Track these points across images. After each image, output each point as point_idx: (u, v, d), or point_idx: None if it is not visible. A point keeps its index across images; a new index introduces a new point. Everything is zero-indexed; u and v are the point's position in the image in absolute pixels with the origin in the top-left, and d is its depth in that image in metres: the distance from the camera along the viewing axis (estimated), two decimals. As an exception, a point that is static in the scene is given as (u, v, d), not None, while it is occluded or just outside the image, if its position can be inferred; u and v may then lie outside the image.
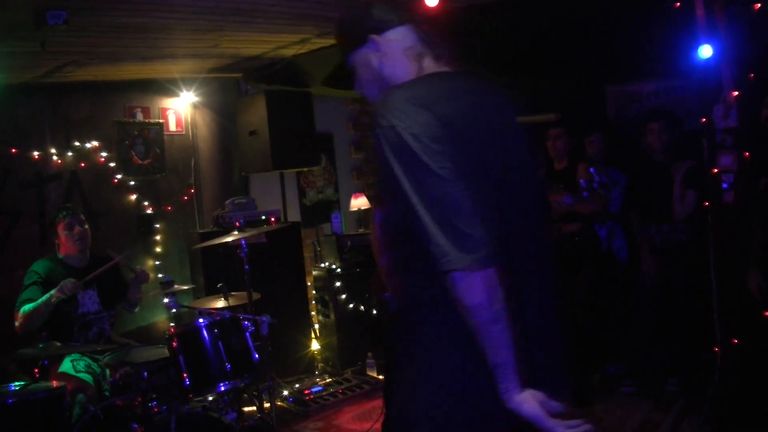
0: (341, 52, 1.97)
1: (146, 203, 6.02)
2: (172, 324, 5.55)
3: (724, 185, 3.99)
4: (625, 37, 4.89)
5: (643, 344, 5.14)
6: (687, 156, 4.82)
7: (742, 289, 3.84)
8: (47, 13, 3.64)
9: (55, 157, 5.52)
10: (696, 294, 4.73)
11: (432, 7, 4.05)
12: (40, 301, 4.10)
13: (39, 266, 4.34)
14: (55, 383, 3.67)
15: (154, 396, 3.65)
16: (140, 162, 6.01)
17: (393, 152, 1.61)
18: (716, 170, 4.00)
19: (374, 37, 1.87)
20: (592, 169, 3.70)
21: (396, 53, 1.86)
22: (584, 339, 4.96)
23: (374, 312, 6.17)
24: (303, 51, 5.53)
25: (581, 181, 3.67)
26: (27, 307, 4.11)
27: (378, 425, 4.88)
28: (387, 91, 1.74)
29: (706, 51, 3.95)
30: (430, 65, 1.87)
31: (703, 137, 4.23)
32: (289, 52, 5.58)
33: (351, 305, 6.18)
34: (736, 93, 3.93)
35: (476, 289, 1.53)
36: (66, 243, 4.42)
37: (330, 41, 5.29)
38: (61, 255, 4.45)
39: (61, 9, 3.64)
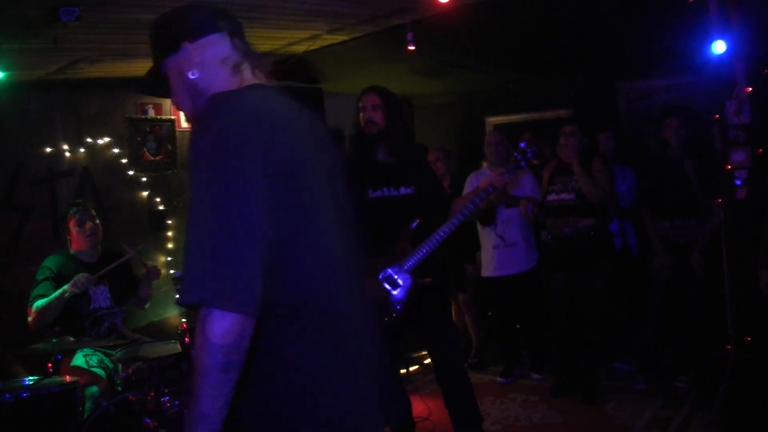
0: (153, 57, 1.82)
1: (158, 199, 6.05)
2: (183, 320, 5.59)
3: (737, 182, 3.96)
4: (637, 32, 4.88)
5: (653, 341, 5.13)
6: (699, 152, 4.80)
7: (755, 286, 3.82)
8: (60, 9, 3.65)
9: (67, 153, 5.55)
10: (708, 291, 4.71)
11: (443, 3, 4.06)
12: (53, 296, 4.12)
13: (51, 262, 4.36)
14: (67, 378, 3.70)
15: (166, 391, 3.66)
16: (152, 158, 6.04)
17: (207, 155, 1.47)
18: (729, 167, 3.98)
19: (187, 44, 1.72)
20: (522, 144, 3.83)
21: (212, 63, 1.73)
22: (597, 336, 4.95)
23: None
24: (314, 47, 5.54)
25: (516, 154, 3.86)
26: (40, 303, 4.13)
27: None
28: (214, 95, 1.62)
29: (719, 46, 3.93)
30: (248, 77, 1.75)
31: (714, 133, 4.21)
32: (300, 48, 5.58)
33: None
34: (749, 89, 3.91)
35: (230, 331, 1.40)
36: (77, 239, 4.44)
37: (340, 37, 5.30)
38: (72, 251, 4.46)
39: (73, 5, 3.66)
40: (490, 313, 6.12)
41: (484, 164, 5.72)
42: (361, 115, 3.97)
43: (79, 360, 4.08)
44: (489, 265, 5.55)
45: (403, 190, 3.92)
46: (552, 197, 5.00)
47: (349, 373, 1.62)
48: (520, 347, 5.83)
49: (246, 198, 1.44)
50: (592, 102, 6.50)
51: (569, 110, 6.27)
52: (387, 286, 3.82)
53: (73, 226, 4.42)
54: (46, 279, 4.26)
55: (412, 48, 4.92)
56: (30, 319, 4.17)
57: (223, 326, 1.40)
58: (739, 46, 3.88)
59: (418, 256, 3.81)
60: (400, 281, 3.79)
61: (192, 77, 1.72)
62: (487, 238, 5.56)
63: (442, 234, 3.81)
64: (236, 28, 1.78)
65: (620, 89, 6.55)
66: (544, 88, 6.74)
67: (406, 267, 3.82)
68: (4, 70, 4.80)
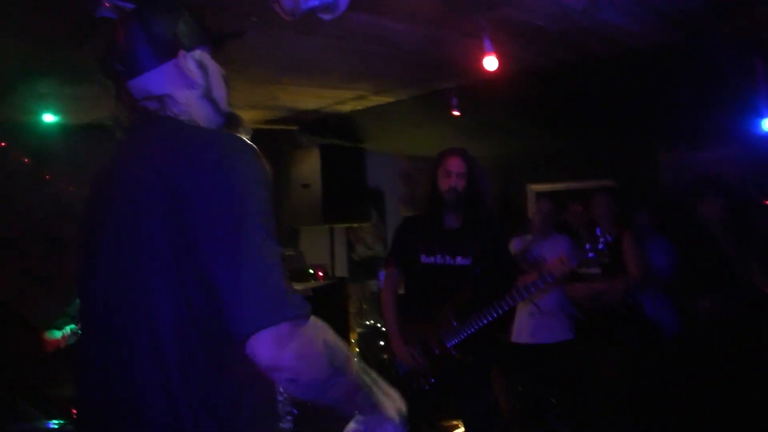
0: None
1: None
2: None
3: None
4: (684, 103, 4.84)
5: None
6: (744, 228, 4.69)
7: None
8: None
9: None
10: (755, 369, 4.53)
11: (491, 71, 4.06)
12: (66, 329, 4.09)
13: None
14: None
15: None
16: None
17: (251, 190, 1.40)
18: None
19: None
20: (598, 230, 3.64)
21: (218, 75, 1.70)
22: (616, 413, 4.76)
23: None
24: (359, 108, 5.60)
25: (587, 245, 3.65)
26: (55, 333, 4.10)
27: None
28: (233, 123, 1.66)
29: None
30: None
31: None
32: (346, 107, 5.65)
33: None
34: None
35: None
36: None
37: (386, 99, 5.35)
38: None
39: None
40: (520, 389, 5.91)
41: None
42: (444, 180, 3.76)
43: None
44: (522, 330, 5.41)
45: (459, 260, 3.72)
46: (581, 269, 4.94)
47: None
48: (553, 422, 5.63)
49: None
50: (634, 172, 6.43)
51: (612, 180, 6.20)
52: (421, 355, 3.74)
53: None
54: (66, 315, 4.20)
55: (456, 113, 4.95)
56: (46, 346, 4.11)
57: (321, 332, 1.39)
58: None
59: (464, 335, 3.68)
60: (436, 352, 3.70)
61: (210, 84, 1.69)
62: (522, 304, 5.46)
63: (494, 315, 3.67)
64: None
65: (664, 160, 6.47)
66: (588, 157, 6.69)
67: (449, 344, 3.70)
68: (56, 113, 4.96)
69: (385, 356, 3.86)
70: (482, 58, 3.61)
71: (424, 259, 3.77)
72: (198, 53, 1.61)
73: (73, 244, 5.23)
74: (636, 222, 5.41)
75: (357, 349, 6.47)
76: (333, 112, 5.80)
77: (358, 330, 6.46)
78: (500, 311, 3.66)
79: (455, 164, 3.75)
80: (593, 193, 5.09)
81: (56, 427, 3.58)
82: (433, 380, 3.72)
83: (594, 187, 6.42)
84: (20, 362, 4.74)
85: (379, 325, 6.22)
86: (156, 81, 1.56)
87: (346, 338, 6.21)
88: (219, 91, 1.66)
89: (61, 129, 5.24)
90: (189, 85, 1.58)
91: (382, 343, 6.08)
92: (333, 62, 4.27)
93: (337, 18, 2.47)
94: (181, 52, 1.57)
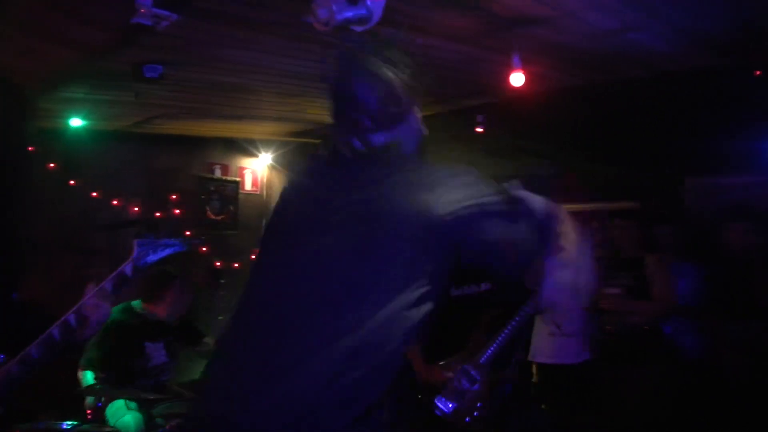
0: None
1: (215, 258, 6.09)
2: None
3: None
4: (710, 126, 4.82)
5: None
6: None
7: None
8: (144, 66, 3.80)
9: (133, 205, 5.68)
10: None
11: (517, 88, 4.07)
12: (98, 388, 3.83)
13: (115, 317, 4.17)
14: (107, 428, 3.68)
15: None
16: (213, 217, 6.13)
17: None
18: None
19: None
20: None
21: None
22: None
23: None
24: (383, 122, 5.61)
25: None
26: (89, 378, 3.90)
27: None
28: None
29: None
30: None
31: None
32: (369, 123, 5.66)
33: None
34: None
35: None
36: (170, 304, 4.15)
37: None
38: (144, 307, 4.12)
39: (158, 63, 3.80)
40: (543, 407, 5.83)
41: None
42: None
43: (119, 403, 3.98)
44: (543, 350, 5.33)
45: (484, 286, 3.81)
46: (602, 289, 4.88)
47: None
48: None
49: None
50: (658, 195, 6.37)
51: (635, 203, 6.16)
52: (465, 382, 3.65)
53: (174, 292, 4.16)
54: (103, 342, 3.91)
55: (480, 130, 4.95)
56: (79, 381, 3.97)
57: None
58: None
59: (493, 348, 3.68)
60: (477, 377, 3.65)
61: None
62: (542, 323, 5.39)
63: (514, 324, 3.74)
64: None
65: (689, 184, 6.40)
66: (609, 179, 6.64)
67: (481, 360, 3.67)
68: (84, 119, 5.01)
69: (420, 396, 3.74)
70: (509, 76, 3.61)
71: (454, 292, 3.76)
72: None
73: (98, 253, 5.14)
74: (659, 244, 5.36)
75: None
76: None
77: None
78: (520, 320, 3.79)
79: None
80: (613, 214, 5.02)
81: (69, 427, 3.59)
82: (476, 413, 3.65)
83: (615, 209, 6.37)
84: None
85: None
86: (394, 133, 1.70)
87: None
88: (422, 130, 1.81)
89: (88, 134, 5.29)
90: (417, 132, 1.78)
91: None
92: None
93: (368, 33, 2.49)
94: (415, 108, 1.74)
